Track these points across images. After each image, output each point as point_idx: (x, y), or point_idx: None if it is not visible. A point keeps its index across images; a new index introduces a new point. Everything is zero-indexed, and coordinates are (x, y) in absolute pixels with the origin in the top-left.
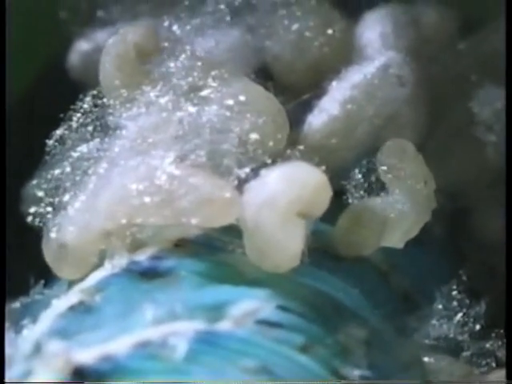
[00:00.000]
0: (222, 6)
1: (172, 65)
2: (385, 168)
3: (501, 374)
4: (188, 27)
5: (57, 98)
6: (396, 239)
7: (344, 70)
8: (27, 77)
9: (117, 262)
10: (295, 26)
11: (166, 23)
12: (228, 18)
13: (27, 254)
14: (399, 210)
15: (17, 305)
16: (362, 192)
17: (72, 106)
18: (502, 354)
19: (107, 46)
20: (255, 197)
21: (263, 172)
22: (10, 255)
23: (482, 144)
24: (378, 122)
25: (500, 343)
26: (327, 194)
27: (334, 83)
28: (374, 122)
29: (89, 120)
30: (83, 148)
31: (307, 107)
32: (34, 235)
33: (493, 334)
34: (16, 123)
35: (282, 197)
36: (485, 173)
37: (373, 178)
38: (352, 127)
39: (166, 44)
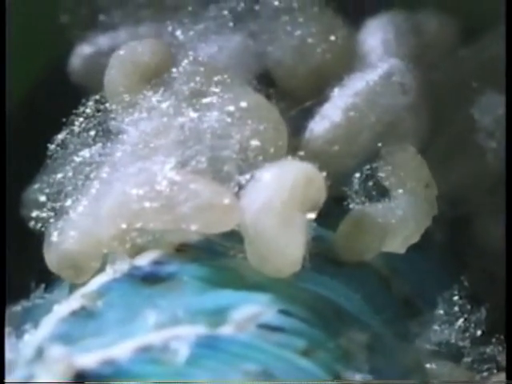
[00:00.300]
0: (225, 12)
1: (174, 70)
2: (386, 171)
3: (501, 376)
4: (191, 33)
5: (58, 102)
6: (397, 244)
7: (346, 77)
8: (28, 80)
9: (118, 267)
10: (297, 32)
11: (170, 28)
12: (231, 24)
13: (28, 258)
14: (400, 215)
15: (18, 309)
16: (362, 198)
17: (74, 111)
18: (502, 359)
19: (119, 53)
20: (252, 202)
21: (257, 177)
22: (11, 259)
23: (483, 150)
24: (379, 129)
25: (501, 348)
26: (319, 182)
27: (337, 90)
28: (375, 129)
29: (91, 125)
30: (85, 153)
31: (309, 114)
32: (35, 239)
33: (493, 340)
34: (17, 127)
35: (276, 198)
36: (485, 179)
37: (373, 184)
38: (354, 134)
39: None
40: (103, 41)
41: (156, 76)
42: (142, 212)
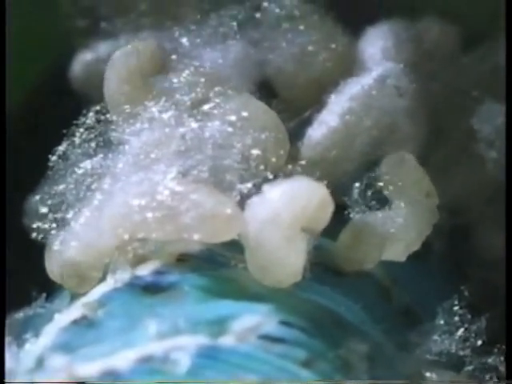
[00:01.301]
0: (226, 20)
1: (175, 80)
2: (385, 181)
3: None
4: (192, 41)
5: (59, 112)
6: (398, 253)
7: (342, 82)
8: (29, 89)
9: (119, 277)
10: (298, 40)
11: (169, 37)
12: (232, 32)
13: (29, 267)
14: (400, 224)
15: (19, 318)
16: (362, 207)
17: (75, 121)
18: (503, 368)
19: (114, 59)
20: (258, 213)
21: (266, 188)
22: (12, 268)
23: (483, 160)
24: (376, 133)
25: (502, 358)
26: (330, 209)
27: (333, 96)
28: (372, 133)
29: (92, 136)
30: (87, 164)
31: (307, 122)
32: (37, 248)
33: (494, 349)
34: (17, 136)
35: (285, 213)
36: (485, 188)
37: (373, 193)
38: (351, 138)
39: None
40: (104, 48)
41: (153, 74)
42: (145, 222)
